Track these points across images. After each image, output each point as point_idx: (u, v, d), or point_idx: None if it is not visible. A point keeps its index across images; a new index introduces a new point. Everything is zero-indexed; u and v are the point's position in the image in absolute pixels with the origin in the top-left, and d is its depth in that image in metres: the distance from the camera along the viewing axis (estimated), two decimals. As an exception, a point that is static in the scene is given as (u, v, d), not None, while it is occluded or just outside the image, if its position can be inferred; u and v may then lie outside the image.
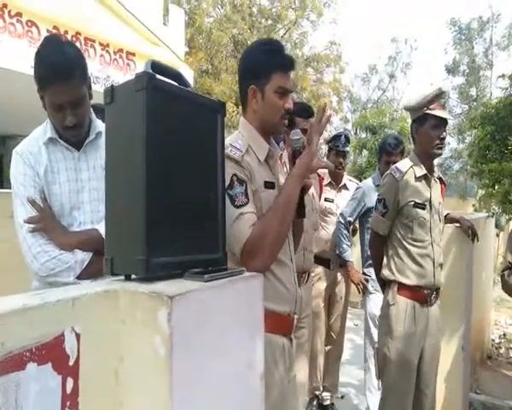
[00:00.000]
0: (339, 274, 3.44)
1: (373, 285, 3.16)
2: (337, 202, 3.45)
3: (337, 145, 3.38)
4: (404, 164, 2.41)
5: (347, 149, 3.43)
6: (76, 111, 1.49)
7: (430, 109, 2.29)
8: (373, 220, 2.51)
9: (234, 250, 1.44)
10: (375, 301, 3.13)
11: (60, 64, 1.43)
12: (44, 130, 1.57)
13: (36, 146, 1.54)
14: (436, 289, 2.38)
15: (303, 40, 17.06)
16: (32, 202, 1.46)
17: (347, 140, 3.42)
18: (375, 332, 3.11)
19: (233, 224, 1.42)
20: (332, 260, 3.36)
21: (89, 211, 1.54)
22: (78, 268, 1.46)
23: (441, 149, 2.35)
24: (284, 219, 1.48)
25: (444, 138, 2.33)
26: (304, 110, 2.67)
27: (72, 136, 1.54)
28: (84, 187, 1.55)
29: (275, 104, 1.58)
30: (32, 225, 1.45)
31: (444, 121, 2.31)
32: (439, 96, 2.29)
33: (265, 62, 1.57)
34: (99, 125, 1.63)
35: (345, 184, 3.53)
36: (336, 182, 3.51)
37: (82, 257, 1.47)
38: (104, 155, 1.16)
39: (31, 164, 1.51)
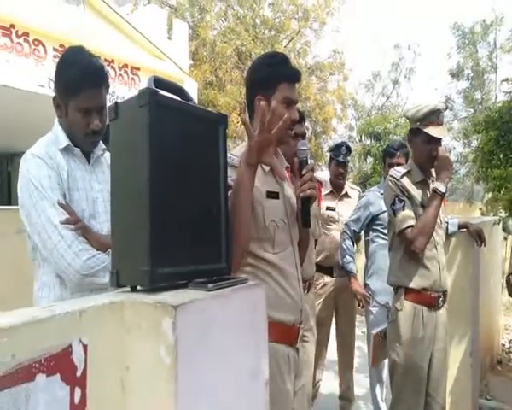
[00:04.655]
0: (344, 282, 3.41)
1: (375, 299, 3.15)
2: (338, 210, 3.45)
3: (338, 155, 3.39)
4: (402, 168, 2.42)
5: (348, 158, 3.44)
6: (101, 117, 1.54)
7: (423, 126, 2.25)
8: (399, 222, 2.28)
9: None
10: (377, 316, 3.12)
11: (95, 68, 1.52)
12: (56, 138, 1.56)
13: (52, 152, 1.52)
14: (443, 292, 2.37)
15: (306, 49, 17.11)
16: (63, 206, 1.45)
17: (348, 150, 3.41)
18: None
19: None
20: (334, 268, 3.34)
21: (105, 221, 1.55)
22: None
23: (432, 166, 2.31)
24: (235, 206, 1.42)
25: (435, 156, 2.26)
26: None
27: (93, 142, 1.58)
28: (97, 197, 1.57)
29: (281, 114, 1.60)
30: (71, 226, 1.43)
31: (437, 139, 2.25)
32: (433, 114, 2.24)
33: (273, 73, 1.61)
34: (102, 143, 1.66)
35: (346, 193, 3.53)
36: (337, 191, 3.52)
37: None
38: (108, 171, 1.13)
39: (53, 167, 1.48)
